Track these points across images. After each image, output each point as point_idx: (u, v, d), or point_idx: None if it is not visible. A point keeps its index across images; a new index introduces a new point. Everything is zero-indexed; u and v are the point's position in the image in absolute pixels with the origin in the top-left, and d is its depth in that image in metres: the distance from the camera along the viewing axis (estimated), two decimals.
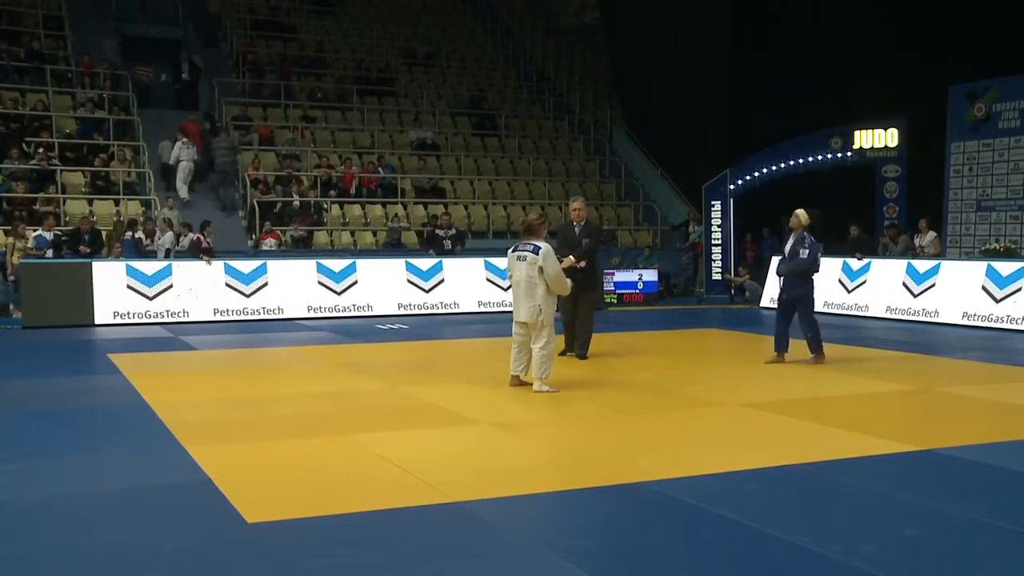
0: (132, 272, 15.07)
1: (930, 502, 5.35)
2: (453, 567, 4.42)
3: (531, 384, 8.79)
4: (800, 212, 10.51)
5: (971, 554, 4.55)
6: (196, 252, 16.18)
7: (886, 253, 17.11)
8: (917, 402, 8.62)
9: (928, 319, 14.80)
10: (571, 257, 10.41)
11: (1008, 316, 13.77)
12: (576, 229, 11.12)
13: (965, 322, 14.32)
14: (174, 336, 13.49)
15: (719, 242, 21.17)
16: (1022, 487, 5.70)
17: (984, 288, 14.23)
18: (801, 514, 5.17)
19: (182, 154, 20.59)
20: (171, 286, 15.19)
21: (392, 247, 20.11)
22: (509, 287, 9.17)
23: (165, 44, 25.09)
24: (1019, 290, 13.78)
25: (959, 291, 14.58)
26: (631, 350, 12.69)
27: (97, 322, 14.66)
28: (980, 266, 14.67)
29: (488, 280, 17.01)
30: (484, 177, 23.90)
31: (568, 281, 8.95)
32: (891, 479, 5.85)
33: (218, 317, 15.29)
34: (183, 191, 20.47)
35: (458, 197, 22.97)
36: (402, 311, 16.38)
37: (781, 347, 10.49)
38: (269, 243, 19.01)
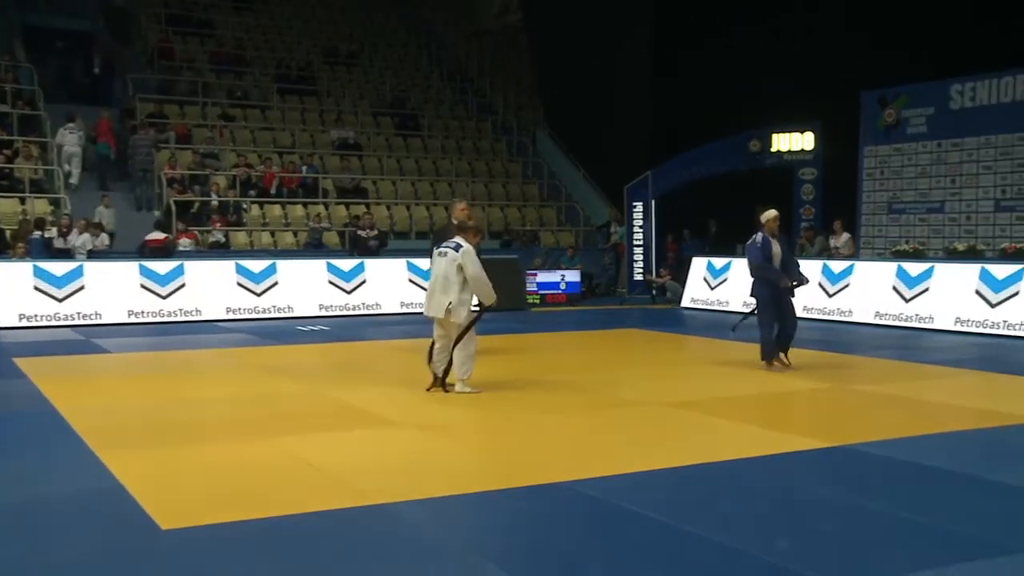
0: (40, 273, 14.58)
1: (842, 496, 5.47)
2: (374, 569, 4.38)
3: (453, 385, 8.76)
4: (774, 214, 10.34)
5: (881, 546, 4.67)
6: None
7: (803, 254, 17.48)
8: (831, 399, 8.82)
9: (842, 318, 15.16)
10: None
11: (917, 315, 14.18)
12: (453, 229, 11.08)
13: (877, 321, 14.70)
14: (86, 339, 13.11)
15: (641, 243, 21.39)
16: (929, 480, 5.87)
17: (895, 288, 14.64)
18: (719, 511, 5.24)
19: (66, 140, 20.03)
20: (83, 287, 14.76)
21: (313, 248, 19.88)
22: None
23: (74, 36, 24.30)
24: (927, 290, 14.21)
25: (872, 291, 14.98)
26: (554, 350, 12.75)
27: (1, 325, 14.13)
28: (891, 267, 15.09)
29: (411, 281, 16.90)
30: (407, 177, 23.79)
31: (491, 289, 8.78)
32: (805, 475, 5.97)
33: (133, 319, 14.89)
34: (73, 176, 20.01)
35: (380, 197, 22.81)
36: (323, 312, 16.18)
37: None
38: (185, 243, 18.62)
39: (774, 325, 10.20)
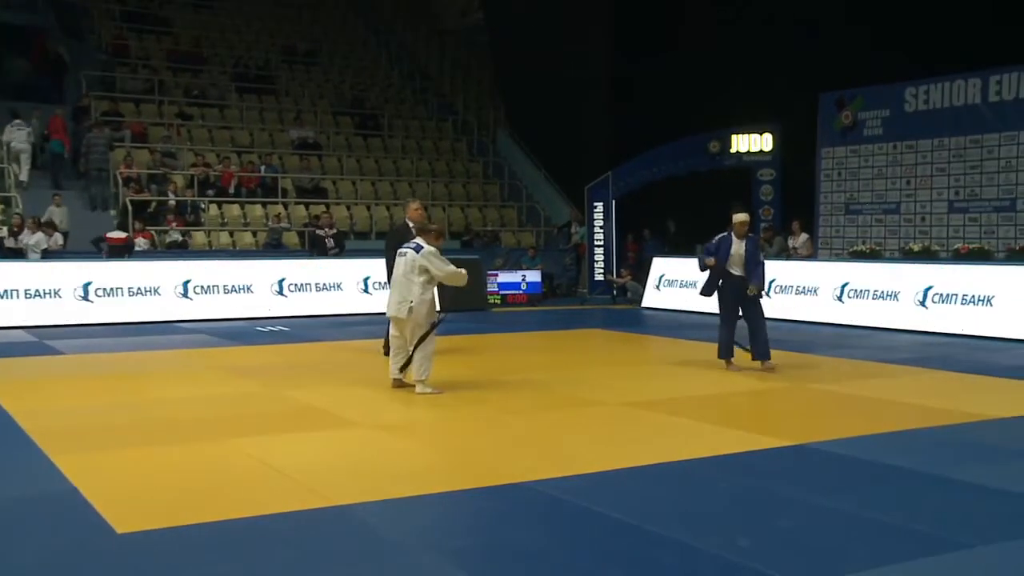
0: None
1: (801, 495, 5.51)
2: (333, 572, 4.34)
3: (413, 386, 8.72)
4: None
5: (841, 543, 4.71)
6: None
7: (762, 254, 17.57)
8: (791, 398, 8.89)
9: (801, 318, 15.28)
10: None
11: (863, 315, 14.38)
12: (415, 231, 11.07)
13: (835, 321, 14.85)
14: (38, 340, 12.88)
15: (601, 243, 21.47)
16: (885, 478, 5.93)
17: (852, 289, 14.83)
18: (679, 510, 5.26)
19: (14, 137, 19.69)
20: (36, 288, 14.49)
21: (272, 248, 19.70)
22: None
23: (23, 31, 23.77)
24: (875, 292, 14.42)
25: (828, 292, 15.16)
26: (514, 350, 12.75)
27: None
28: (847, 266, 15.30)
29: (370, 280, 16.79)
30: (367, 177, 23.66)
31: (463, 271, 8.86)
32: (764, 474, 6.01)
33: (88, 320, 14.66)
34: (23, 174, 19.71)
35: (340, 197, 22.67)
36: (283, 312, 16.03)
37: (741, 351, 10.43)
38: (141, 243, 18.36)
39: (734, 325, 10.28)
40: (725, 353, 10.31)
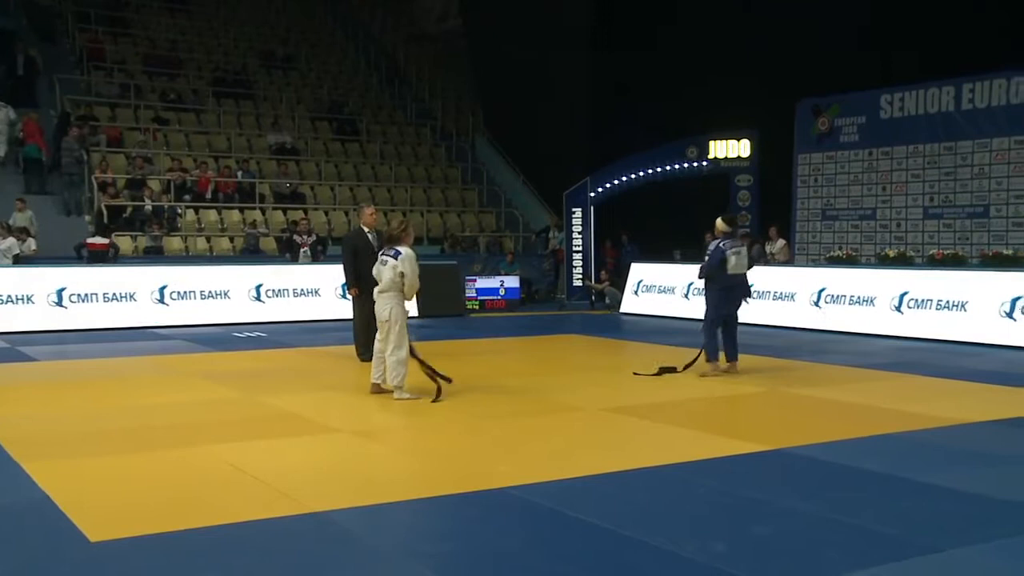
0: None
1: (777, 500, 5.54)
2: None
3: (391, 391, 8.71)
4: (717, 221, 10.56)
5: (814, 548, 4.73)
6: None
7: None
8: (767, 403, 8.93)
9: (778, 324, 15.35)
10: None
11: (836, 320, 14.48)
12: (371, 236, 11.09)
13: (812, 326, 14.94)
14: (10, 347, 12.74)
15: (580, 249, 21.51)
16: (859, 483, 5.97)
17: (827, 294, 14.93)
18: (656, 515, 5.27)
19: None
20: (9, 293, 14.34)
21: (250, 253, 19.60)
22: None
23: None
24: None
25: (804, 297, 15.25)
26: (492, 356, 12.75)
27: None
28: (824, 272, 15.40)
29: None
30: (345, 183, 23.58)
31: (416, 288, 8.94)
32: (741, 479, 6.03)
33: (62, 326, 14.52)
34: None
35: (318, 202, 22.60)
36: (260, 318, 15.95)
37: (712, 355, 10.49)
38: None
39: (718, 327, 10.40)
40: (713, 355, 10.39)
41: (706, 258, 10.39)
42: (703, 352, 10.37)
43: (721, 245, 10.31)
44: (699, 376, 10.13)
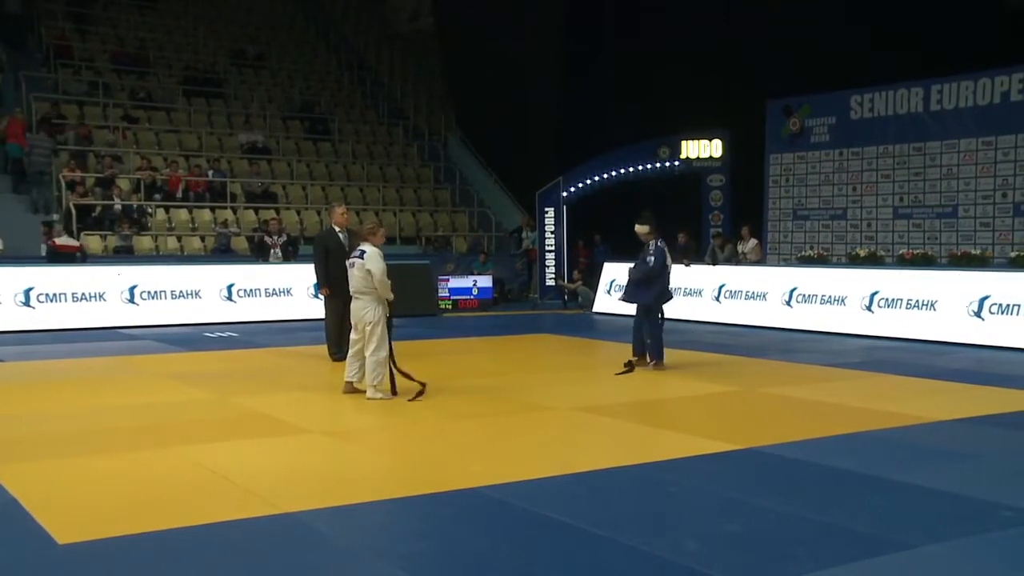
0: None
1: (749, 498, 5.56)
2: None
3: (364, 391, 8.67)
4: (637, 227, 10.77)
5: (784, 545, 4.76)
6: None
7: (717, 258, 17.73)
8: (738, 402, 8.98)
9: (750, 323, 15.44)
10: None
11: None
12: (342, 236, 11.07)
13: (783, 325, 15.03)
14: None
15: (552, 248, 21.53)
16: (829, 480, 6.01)
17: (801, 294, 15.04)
18: (628, 514, 5.28)
19: None
20: None
21: (221, 253, 19.45)
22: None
23: None
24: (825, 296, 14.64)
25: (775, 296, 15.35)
26: (465, 355, 12.73)
27: None
28: (795, 271, 15.51)
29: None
30: (317, 182, 23.46)
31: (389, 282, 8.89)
32: (713, 477, 6.05)
33: (30, 326, 14.34)
34: None
35: (290, 202, 22.47)
36: (232, 318, 15.84)
37: (637, 351, 10.76)
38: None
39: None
40: (635, 351, 10.73)
41: (649, 259, 10.53)
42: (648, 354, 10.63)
43: (660, 244, 10.60)
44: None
